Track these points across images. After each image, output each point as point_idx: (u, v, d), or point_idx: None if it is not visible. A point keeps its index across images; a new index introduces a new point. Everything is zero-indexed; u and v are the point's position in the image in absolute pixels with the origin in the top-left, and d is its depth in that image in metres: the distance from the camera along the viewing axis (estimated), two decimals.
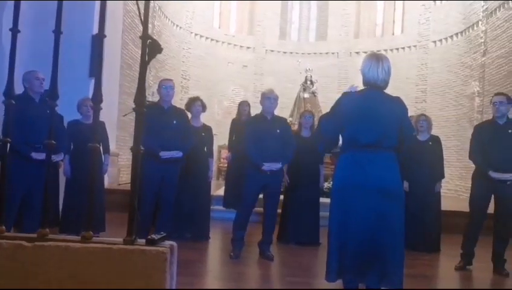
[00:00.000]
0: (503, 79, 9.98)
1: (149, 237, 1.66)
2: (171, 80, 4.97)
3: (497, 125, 4.44)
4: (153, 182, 4.46)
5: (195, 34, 14.13)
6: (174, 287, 1.69)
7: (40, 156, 3.82)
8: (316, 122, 6.41)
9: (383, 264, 2.60)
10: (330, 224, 2.74)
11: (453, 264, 4.56)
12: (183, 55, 13.77)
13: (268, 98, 4.53)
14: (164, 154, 4.47)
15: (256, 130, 4.49)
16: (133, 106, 1.75)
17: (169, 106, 4.73)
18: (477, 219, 4.50)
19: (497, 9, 10.53)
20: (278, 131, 4.49)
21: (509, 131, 4.35)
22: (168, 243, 1.69)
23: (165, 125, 4.51)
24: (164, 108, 4.67)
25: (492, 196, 4.44)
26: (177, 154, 4.55)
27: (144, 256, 1.56)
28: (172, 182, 4.63)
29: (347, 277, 2.67)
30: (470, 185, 4.65)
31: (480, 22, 11.27)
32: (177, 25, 13.39)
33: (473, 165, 4.59)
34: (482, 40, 11.12)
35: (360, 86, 2.87)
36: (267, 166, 4.34)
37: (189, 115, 5.47)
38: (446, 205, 5.86)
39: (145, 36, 1.70)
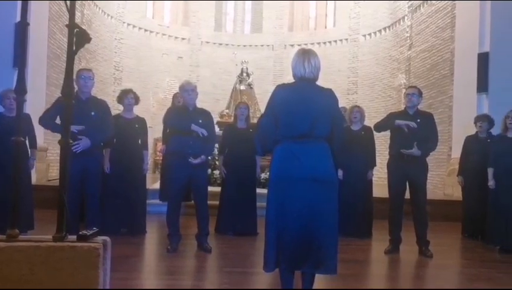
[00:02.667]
0: (427, 72, 10.57)
1: (81, 232, 1.61)
2: (89, 70, 4.78)
3: (407, 115, 4.78)
4: (74, 176, 4.31)
5: (128, 24, 13.71)
6: (108, 283, 1.65)
7: None
8: (251, 114, 6.50)
9: (318, 251, 2.68)
10: (267, 215, 2.78)
11: (384, 248, 4.79)
12: (116, 46, 13.33)
13: (186, 91, 4.49)
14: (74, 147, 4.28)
15: (177, 120, 4.44)
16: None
17: (87, 97, 4.54)
18: (397, 203, 4.79)
19: (421, 5, 11.10)
20: (200, 121, 4.46)
21: (418, 120, 4.69)
22: (101, 238, 1.64)
23: (82, 117, 4.30)
24: (82, 99, 4.49)
25: (408, 183, 4.75)
26: (86, 144, 4.31)
27: (74, 253, 1.51)
28: (94, 176, 4.50)
29: (284, 266, 2.73)
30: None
31: (406, 17, 11.84)
32: (108, 14, 12.93)
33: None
34: (408, 35, 11.69)
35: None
36: (193, 126, 4.29)
37: (122, 107, 5.35)
38: (377, 192, 6.12)
39: (71, 25, 1.63)
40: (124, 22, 13.57)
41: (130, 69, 13.60)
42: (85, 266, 1.51)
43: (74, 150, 4.21)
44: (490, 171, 5.13)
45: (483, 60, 7.67)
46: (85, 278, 1.51)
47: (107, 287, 1.62)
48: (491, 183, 5.10)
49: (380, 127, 4.97)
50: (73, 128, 4.16)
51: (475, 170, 5.68)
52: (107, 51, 12.94)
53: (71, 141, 1.68)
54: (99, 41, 12.28)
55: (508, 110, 5.15)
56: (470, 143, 6.02)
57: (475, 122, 6.01)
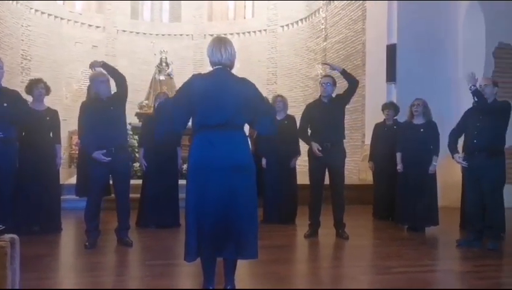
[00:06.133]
0: (342, 62, 10.99)
1: None
2: None
3: (323, 103, 4.98)
4: None
5: (36, 11, 12.86)
6: (17, 283, 1.57)
7: None
8: None
9: (239, 237, 2.74)
10: (187, 204, 2.78)
11: (304, 233, 4.96)
12: (22, 33, 12.46)
13: (101, 81, 4.33)
14: None
15: (92, 114, 4.26)
16: None
17: None
18: (317, 190, 4.98)
19: None
20: (112, 108, 4.30)
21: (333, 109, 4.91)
22: (8, 236, 1.55)
23: None
24: None
25: (327, 169, 4.95)
26: None
27: None
28: (5, 171, 4.28)
29: (205, 254, 2.75)
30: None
31: (321, 10, 12.24)
32: (13, 0, 12.04)
33: None
34: (323, 26, 12.11)
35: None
36: (96, 153, 4.13)
37: (31, 99, 5.04)
38: (301, 179, 6.30)
39: None
40: (31, 8, 12.72)
41: (40, 58, 12.80)
42: None
43: None
44: (398, 155, 5.48)
45: (391, 51, 8.13)
46: None
47: (17, 287, 1.54)
48: (399, 167, 5.45)
49: (301, 138, 5.12)
50: None
51: (384, 155, 6.02)
52: (13, 38, 12.07)
53: None
54: (3, 28, 11.45)
55: (413, 99, 5.51)
56: (379, 130, 6.40)
57: (382, 110, 6.38)
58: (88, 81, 4.45)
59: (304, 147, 5.29)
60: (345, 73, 4.92)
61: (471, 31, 7.90)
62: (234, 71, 2.91)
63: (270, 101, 6.07)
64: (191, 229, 2.74)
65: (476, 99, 4.33)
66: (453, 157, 4.63)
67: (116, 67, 4.48)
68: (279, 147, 5.67)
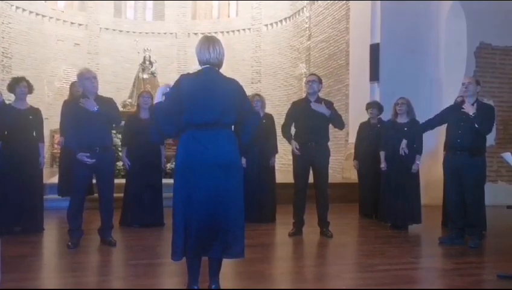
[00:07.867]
0: (325, 61, 11.07)
1: None
2: None
3: (308, 102, 4.97)
4: None
5: (17, 8, 12.64)
6: None
7: None
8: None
9: (226, 236, 2.73)
10: (174, 204, 2.77)
11: (287, 231, 4.98)
12: (3, 31, 12.23)
13: (88, 78, 4.28)
14: None
15: (78, 113, 4.21)
16: None
17: None
18: (301, 188, 5.00)
19: None
20: (99, 109, 4.26)
21: None
22: None
23: None
24: None
25: (311, 168, 4.97)
26: None
27: None
28: None
29: (191, 253, 2.74)
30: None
31: (304, 9, 12.28)
32: None
33: None
34: (307, 26, 12.14)
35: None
36: (80, 155, 4.07)
37: (13, 97, 4.96)
38: (280, 178, 6.30)
39: None
40: (12, 6, 12.49)
41: (21, 56, 12.58)
42: None
43: None
44: (382, 154, 5.53)
45: (374, 50, 8.18)
46: None
47: None
48: (382, 165, 5.50)
49: (283, 134, 5.08)
50: None
51: (369, 154, 6.07)
52: None
53: None
54: None
55: (397, 98, 5.56)
56: (363, 129, 6.44)
57: (366, 109, 6.43)
58: (70, 80, 4.43)
59: (288, 146, 5.29)
60: (334, 115, 4.90)
61: (453, 31, 8.00)
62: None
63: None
64: (178, 228, 2.73)
65: None
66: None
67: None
68: (258, 146, 5.67)
